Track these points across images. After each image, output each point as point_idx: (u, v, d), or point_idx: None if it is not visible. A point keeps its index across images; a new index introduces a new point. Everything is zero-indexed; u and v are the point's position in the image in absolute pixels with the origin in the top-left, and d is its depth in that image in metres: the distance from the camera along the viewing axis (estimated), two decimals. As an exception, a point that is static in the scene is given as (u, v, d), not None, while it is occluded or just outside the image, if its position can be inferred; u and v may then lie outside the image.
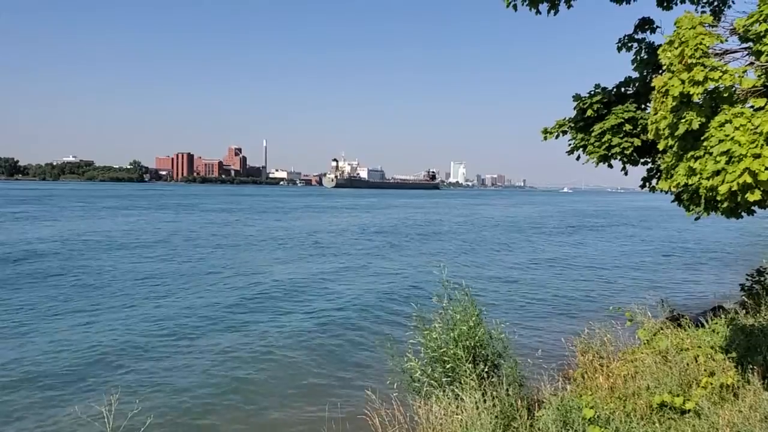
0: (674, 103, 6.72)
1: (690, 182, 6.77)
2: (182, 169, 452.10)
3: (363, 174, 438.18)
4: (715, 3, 12.29)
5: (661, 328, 12.83)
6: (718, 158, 6.24)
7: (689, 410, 8.92)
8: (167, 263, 34.77)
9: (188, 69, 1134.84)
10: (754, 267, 19.07)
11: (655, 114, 7.20)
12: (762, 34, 6.60)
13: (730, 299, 18.28)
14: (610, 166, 11.77)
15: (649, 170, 12.29)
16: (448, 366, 9.60)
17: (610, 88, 12.12)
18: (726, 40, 7.21)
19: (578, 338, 12.56)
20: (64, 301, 23.38)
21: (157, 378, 14.69)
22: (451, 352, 9.62)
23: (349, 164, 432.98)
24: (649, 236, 60.80)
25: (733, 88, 6.62)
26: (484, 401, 8.69)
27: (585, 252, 45.43)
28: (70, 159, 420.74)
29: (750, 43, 6.94)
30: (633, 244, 52.50)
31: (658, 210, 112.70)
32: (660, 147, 7.36)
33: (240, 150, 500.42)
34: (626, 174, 11.94)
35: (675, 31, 6.78)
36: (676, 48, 6.65)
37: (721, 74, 6.38)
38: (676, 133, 6.84)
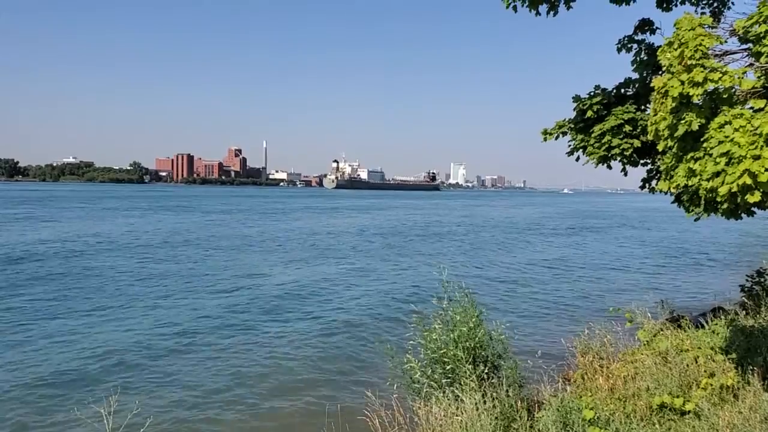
0: (674, 104, 6.72)
1: (690, 183, 6.77)
2: (182, 170, 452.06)
3: (363, 175, 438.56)
4: (715, 4, 12.30)
5: (661, 329, 12.84)
6: (717, 159, 6.25)
7: (689, 411, 8.92)
8: (168, 265, 34.76)
9: (188, 69, 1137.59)
10: (753, 268, 19.08)
11: (655, 115, 7.20)
12: (762, 35, 6.61)
13: (730, 300, 18.28)
14: (610, 167, 11.78)
15: (648, 171, 12.29)
16: (448, 367, 9.60)
17: (609, 90, 12.13)
18: (726, 42, 7.22)
19: (578, 339, 12.56)
20: (64, 302, 23.36)
21: (156, 379, 14.68)
22: (451, 353, 9.62)
23: (349, 165, 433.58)
24: (649, 237, 60.80)
25: (733, 90, 6.63)
26: (484, 402, 8.69)
27: (585, 253, 45.42)
28: (70, 160, 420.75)
29: (750, 45, 6.94)
30: (633, 245, 52.49)
31: (658, 211, 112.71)
32: (660, 148, 7.37)
33: (240, 151, 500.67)
34: (626, 175, 11.95)
35: (675, 32, 6.78)
36: (676, 49, 6.65)
37: (720, 75, 6.38)
38: (675, 134, 6.84)
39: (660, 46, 7.27)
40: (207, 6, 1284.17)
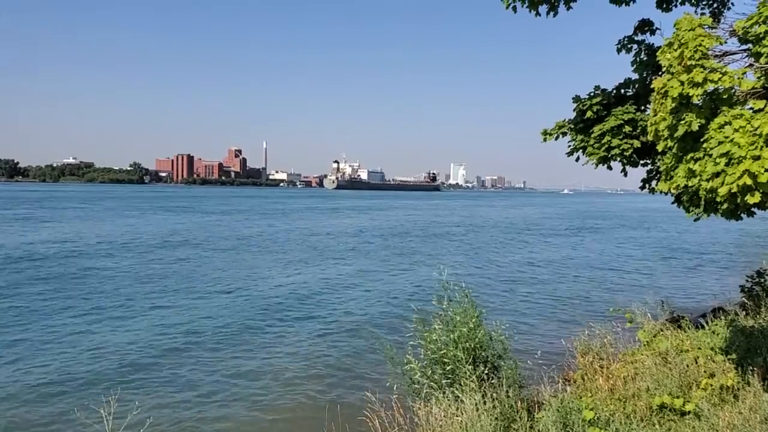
0: (674, 105, 6.73)
1: (690, 184, 6.77)
2: (182, 171, 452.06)
3: (363, 176, 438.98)
4: (715, 5, 12.32)
5: (661, 330, 12.84)
6: (717, 160, 6.25)
7: (689, 412, 8.92)
8: (167, 266, 34.76)
9: (188, 70, 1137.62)
10: (753, 268, 19.08)
11: (655, 115, 7.20)
12: (761, 35, 6.61)
13: (730, 301, 18.27)
14: (610, 167, 11.80)
15: (648, 172, 12.31)
16: (448, 368, 9.60)
17: (609, 90, 12.15)
18: (725, 42, 7.22)
19: (578, 340, 12.56)
20: (64, 303, 23.35)
21: (156, 379, 14.67)
22: (451, 353, 9.61)
23: (350, 166, 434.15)
24: (649, 237, 60.79)
25: (733, 90, 6.63)
26: (484, 403, 8.69)
27: (585, 253, 45.40)
28: (70, 160, 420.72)
29: (749, 45, 6.94)
30: (633, 245, 52.48)
31: (658, 211, 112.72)
32: (659, 148, 7.37)
33: (240, 151, 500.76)
34: (626, 175, 11.97)
35: (674, 32, 6.79)
36: (676, 50, 6.66)
37: (720, 76, 6.38)
38: (675, 135, 6.85)
39: (660, 47, 7.27)
40: (207, 7, 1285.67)
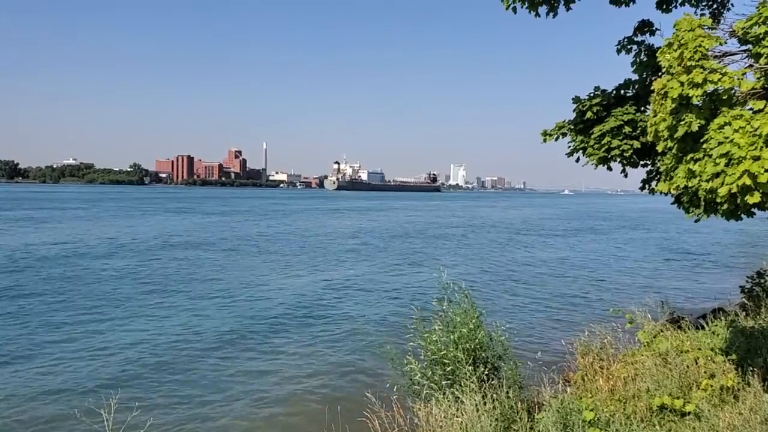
0: (673, 105, 6.73)
1: (689, 184, 6.78)
2: (182, 172, 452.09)
3: (364, 176, 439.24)
4: (714, 5, 12.32)
5: (661, 331, 12.84)
6: (717, 160, 6.25)
7: (689, 412, 8.91)
8: (167, 268, 34.76)
9: (188, 71, 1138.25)
10: (754, 269, 19.09)
11: (655, 116, 7.21)
12: (761, 36, 6.61)
13: (730, 301, 18.29)
14: (610, 168, 11.80)
15: (648, 172, 12.30)
16: (448, 368, 9.60)
17: (609, 91, 12.15)
18: (725, 43, 7.22)
19: (578, 340, 12.56)
20: (63, 303, 23.35)
21: (156, 379, 14.65)
22: (451, 354, 9.62)
23: (350, 167, 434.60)
24: (649, 238, 60.78)
25: (733, 91, 6.63)
26: (484, 404, 8.69)
27: (585, 254, 45.40)
28: (71, 161, 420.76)
29: (749, 46, 6.95)
30: (633, 246, 52.47)
31: (658, 212, 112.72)
32: (659, 149, 7.37)
33: (240, 152, 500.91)
34: (626, 176, 11.97)
35: (674, 33, 6.79)
36: (676, 50, 6.66)
37: (720, 76, 6.39)
38: (675, 135, 6.85)
39: (660, 48, 7.27)
40: (207, 7, 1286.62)
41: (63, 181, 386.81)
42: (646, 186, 12.35)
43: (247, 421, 12.43)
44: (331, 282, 30.17)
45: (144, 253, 40.56)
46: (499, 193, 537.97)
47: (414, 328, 10.54)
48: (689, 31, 6.58)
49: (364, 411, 9.63)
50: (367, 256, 42.18)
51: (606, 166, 11.72)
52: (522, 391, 9.92)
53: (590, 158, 11.58)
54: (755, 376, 9.36)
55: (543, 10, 12.10)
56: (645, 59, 11.94)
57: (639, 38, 12.43)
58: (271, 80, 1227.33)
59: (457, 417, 8.63)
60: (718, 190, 6.23)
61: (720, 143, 6.24)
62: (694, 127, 6.54)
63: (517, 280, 31.84)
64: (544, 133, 12.56)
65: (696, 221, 8.11)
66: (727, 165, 6.16)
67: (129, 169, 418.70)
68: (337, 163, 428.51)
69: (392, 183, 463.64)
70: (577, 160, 12.09)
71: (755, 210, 6.74)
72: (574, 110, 12.10)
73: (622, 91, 12.15)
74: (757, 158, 5.90)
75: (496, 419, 8.53)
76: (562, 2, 12.07)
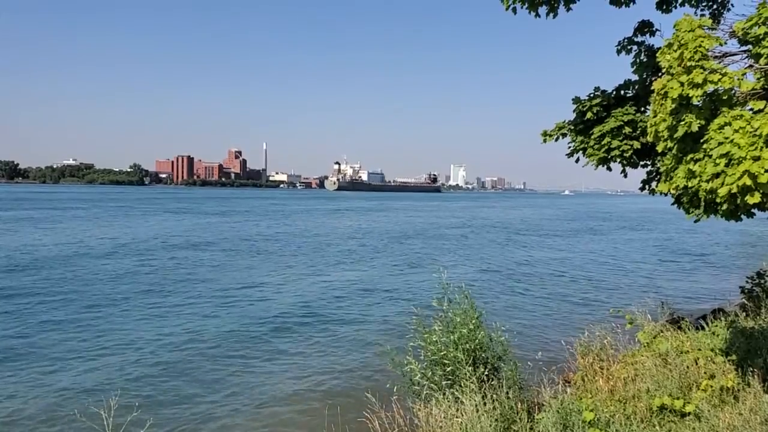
0: (673, 106, 6.73)
1: (689, 185, 6.77)
2: (182, 172, 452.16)
3: (364, 177, 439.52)
4: (714, 6, 12.34)
5: (661, 331, 12.85)
6: (717, 161, 6.25)
7: (689, 413, 8.91)
8: (168, 268, 34.76)
9: (188, 71, 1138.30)
10: (754, 269, 19.09)
11: (655, 116, 7.21)
12: (761, 36, 6.62)
13: (730, 302, 18.29)
14: (609, 168, 11.80)
15: (648, 173, 12.31)
16: (448, 369, 9.60)
17: (609, 91, 12.16)
18: (725, 43, 7.23)
19: (578, 341, 12.56)
20: (63, 304, 23.35)
21: (156, 380, 14.66)
22: (451, 355, 9.62)
23: (351, 167, 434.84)
24: (648, 239, 60.76)
25: (733, 91, 6.63)
26: (484, 404, 8.69)
27: (585, 254, 45.39)
28: (71, 162, 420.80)
29: (749, 46, 6.95)
30: (633, 246, 52.46)
31: (658, 212, 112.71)
32: (659, 149, 7.37)
33: (240, 153, 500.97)
34: (626, 177, 11.98)
35: (674, 33, 6.79)
36: (676, 51, 6.66)
37: (720, 77, 6.39)
38: (675, 136, 6.85)
39: (660, 48, 7.28)
40: (207, 7, 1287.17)
41: (63, 181, 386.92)
42: (646, 186, 12.36)
43: (247, 420, 12.42)
44: (331, 282, 30.17)
45: (144, 253, 40.56)
46: (499, 194, 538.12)
47: (414, 328, 10.53)
48: (689, 31, 6.58)
49: (364, 411, 9.63)
50: (367, 256, 42.18)
51: (606, 167, 11.73)
52: (522, 391, 9.92)
53: (590, 159, 11.58)
54: (755, 376, 9.36)
55: (543, 10, 12.10)
56: (645, 60, 11.94)
57: (639, 39, 12.44)
58: (271, 80, 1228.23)
59: (457, 417, 8.63)
60: (718, 191, 6.23)
61: (720, 143, 6.24)
62: (694, 128, 6.54)
63: (517, 280, 31.84)
64: (544, 134, 12.57)
65: (696, 222, 8.10)
66: (727, 165, 6.16)
67: (129, 170, 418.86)
68: (337, 163, 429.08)
69: (392, 183, 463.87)
70: (577, 160, 12.10)
71: (755, 210, 6.75)
72: (574, 111, 12.10)
73: (622, 92, 12.15)
74: (757, 158, 5.90)
75: (496, 420, 8.53)
76: (562, 3, 12.07)
